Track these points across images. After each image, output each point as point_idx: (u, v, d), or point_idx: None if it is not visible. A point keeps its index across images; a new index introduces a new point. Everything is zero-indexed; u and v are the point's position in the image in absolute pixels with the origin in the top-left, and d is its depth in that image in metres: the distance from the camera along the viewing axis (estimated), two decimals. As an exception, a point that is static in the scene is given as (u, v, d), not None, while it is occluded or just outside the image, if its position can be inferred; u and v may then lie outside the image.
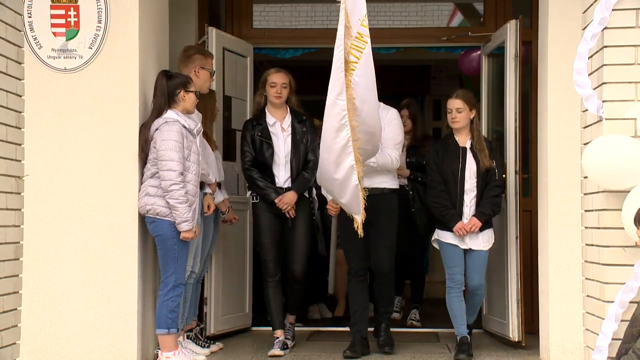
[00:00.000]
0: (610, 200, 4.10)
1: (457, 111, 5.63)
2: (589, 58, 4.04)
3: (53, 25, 5.42)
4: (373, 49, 7.10)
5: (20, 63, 3.90)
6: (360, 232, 5.27)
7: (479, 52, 7.22)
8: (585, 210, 4.34)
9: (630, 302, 3.92)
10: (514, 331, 6.17)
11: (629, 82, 3.96)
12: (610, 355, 3.92)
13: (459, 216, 5.64)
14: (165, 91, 5.33)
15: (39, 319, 5.24)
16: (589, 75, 4.00)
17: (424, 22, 8.17)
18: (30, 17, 5.39)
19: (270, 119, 6.02)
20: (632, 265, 3.95)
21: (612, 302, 3.98)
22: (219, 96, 6.41)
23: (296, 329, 6.45)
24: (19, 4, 4.44)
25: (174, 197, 5.16)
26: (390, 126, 5.79)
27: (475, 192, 5.65)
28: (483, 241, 5.72)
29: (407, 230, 6.85)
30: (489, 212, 5.66)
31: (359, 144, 5.14)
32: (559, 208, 5.70)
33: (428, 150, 6.63)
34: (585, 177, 4.21)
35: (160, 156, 5.20)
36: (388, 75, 7.08)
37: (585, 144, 4.75)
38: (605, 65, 3.94)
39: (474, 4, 8.00)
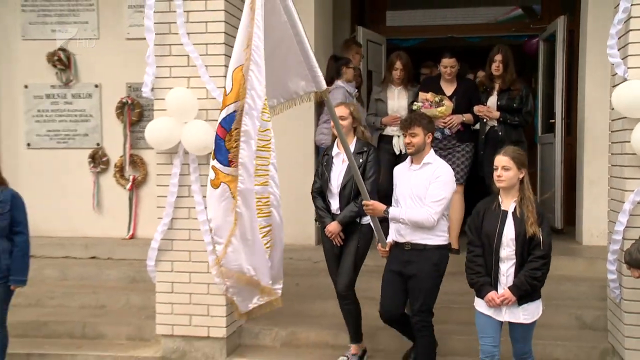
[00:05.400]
0: (630, 134, 4.19)
1: (503, 169, 3.60)
2: (618, 39, 4.12)
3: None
4: (464, 38, 7.11)
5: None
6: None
7: (537, 39, 7.21)
8: (612, 142, 4.33)
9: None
10: (557, 221, 6.34)
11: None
12: (625, 237, 4.04)
13: (492, 285, 3.62)
14: (334, 67, 5.80)
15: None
16: (618, 50, 4.10)
17: (497, 19, 8.21)
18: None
19: (335, 149, 4.40)
20: (644, 177, 3.98)
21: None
22: (364, 70, 6.68)
23: None
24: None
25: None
26: (437, 182, 3.91)
27: (514, 261, 3.56)
28: (524, 315, 3.60)
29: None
30: (526, 287, 3.53)
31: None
32: (592, 142, 5.88)
33: (517, 93, 5.41)
34: (613, 120, 4.26)
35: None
36: (474, 57, 7.22)
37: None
38: (630, 43, 3.98)
39: (533, 6, 7.96)
